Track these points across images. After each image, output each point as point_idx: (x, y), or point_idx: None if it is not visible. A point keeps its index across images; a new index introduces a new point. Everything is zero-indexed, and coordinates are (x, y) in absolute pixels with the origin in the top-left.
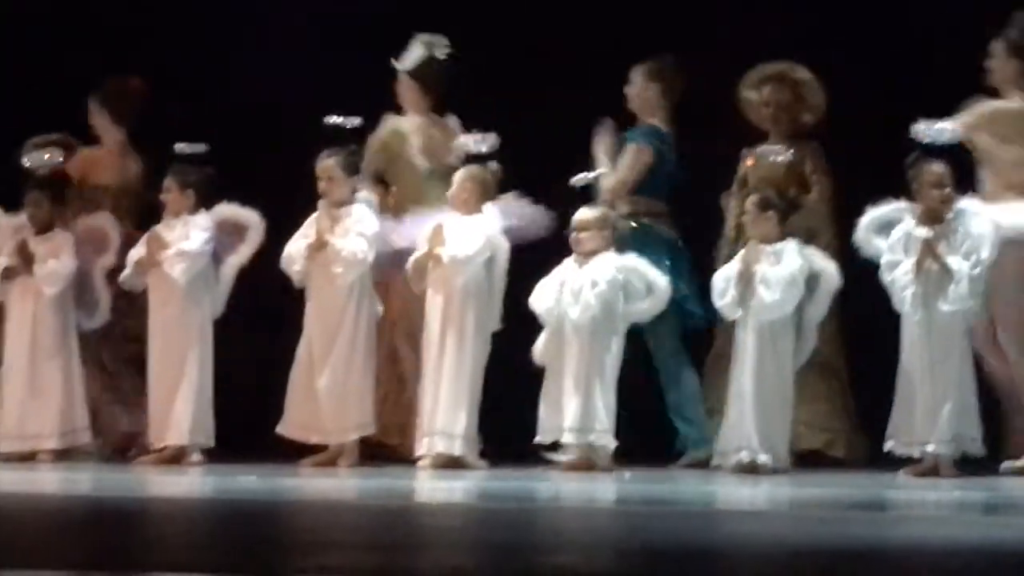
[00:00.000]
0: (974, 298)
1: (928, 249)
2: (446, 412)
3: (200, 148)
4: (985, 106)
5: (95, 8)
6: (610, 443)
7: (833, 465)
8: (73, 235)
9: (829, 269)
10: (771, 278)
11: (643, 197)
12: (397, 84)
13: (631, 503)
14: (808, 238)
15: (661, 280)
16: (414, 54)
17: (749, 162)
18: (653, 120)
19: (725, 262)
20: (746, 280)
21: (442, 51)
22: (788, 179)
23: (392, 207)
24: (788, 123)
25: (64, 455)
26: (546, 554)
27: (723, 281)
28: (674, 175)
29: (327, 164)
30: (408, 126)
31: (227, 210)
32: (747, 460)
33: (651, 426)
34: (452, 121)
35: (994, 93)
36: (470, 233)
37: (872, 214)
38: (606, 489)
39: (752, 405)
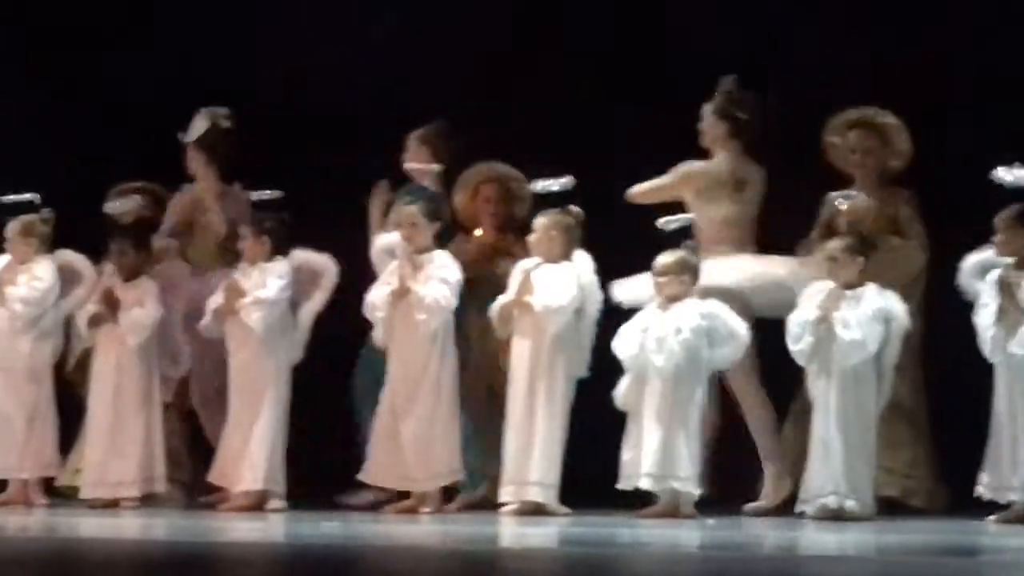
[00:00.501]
0: None
1: (1006, 290)
2: (539, 461)
3: (275, 194)
4: (686, 167)
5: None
6: (694, 490)
7: (914, 514)
8: (156, 282)
9: (899, 310)
10: (851, 319)
11: None
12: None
13: (715, 549)
14: (900, 285)
15: (742, 327)
16: (198, 125)
17: (842, 207)
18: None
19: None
20: (824, 325)
21: (224, 121)
22: (879, 225)
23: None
24: (874, 168)
25: (146, 501)
26: None
27: (798, 326)
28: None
29: (409, 211)
30: (202, 193)
31: (302, 256)
32: (833, 506)
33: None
34: (237, 188)
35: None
36: (561, 281)
37: (974, 257)
38: (689, 535)
39: (837, 450)
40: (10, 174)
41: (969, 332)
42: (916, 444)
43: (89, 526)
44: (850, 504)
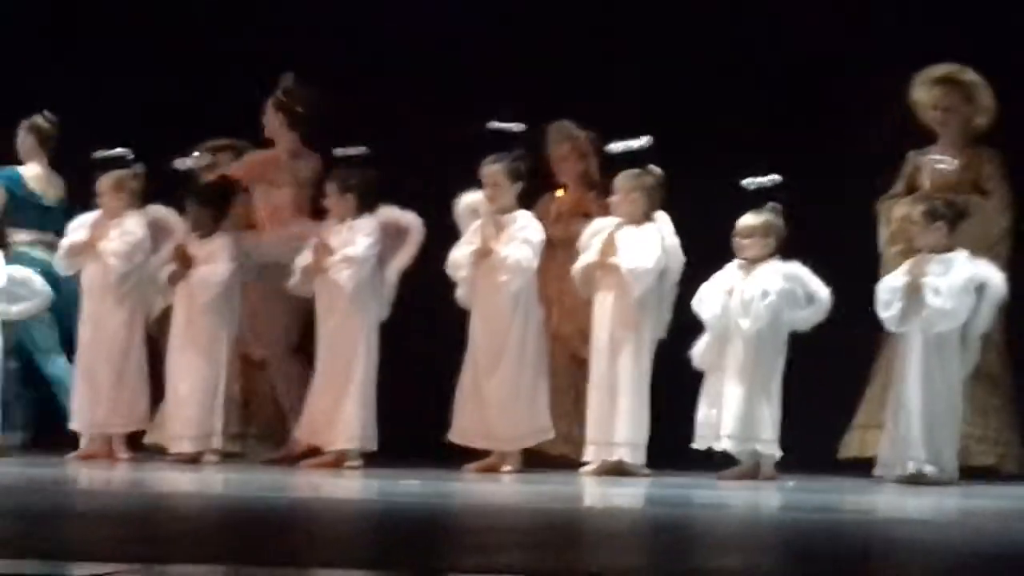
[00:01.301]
0: None
1: None
2: (627, 422)
3: (360, 150)
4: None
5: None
6: (775, 452)
7: (1005, 480)
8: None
9: (996, 279)
10: (942, 287)
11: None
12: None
13: (795, 511)
14: (983, 246)
15: (823, 290)
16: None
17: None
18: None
19: (886, 270)
20: (914, 291)
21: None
22: (962, 185)
23: None
24: (958, 126)
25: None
26: (710, 559)
27: (888, 292)
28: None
29: (492, 170)
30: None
31: (388, 212)
32: (913, 471)
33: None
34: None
35: None
36: (646, 242)
37: None
38: (769, 496)
39: (919, 417)
40: (103, 130)
41: None
42: (1003, 410)
43: (172, 480)
44: (929, 470)
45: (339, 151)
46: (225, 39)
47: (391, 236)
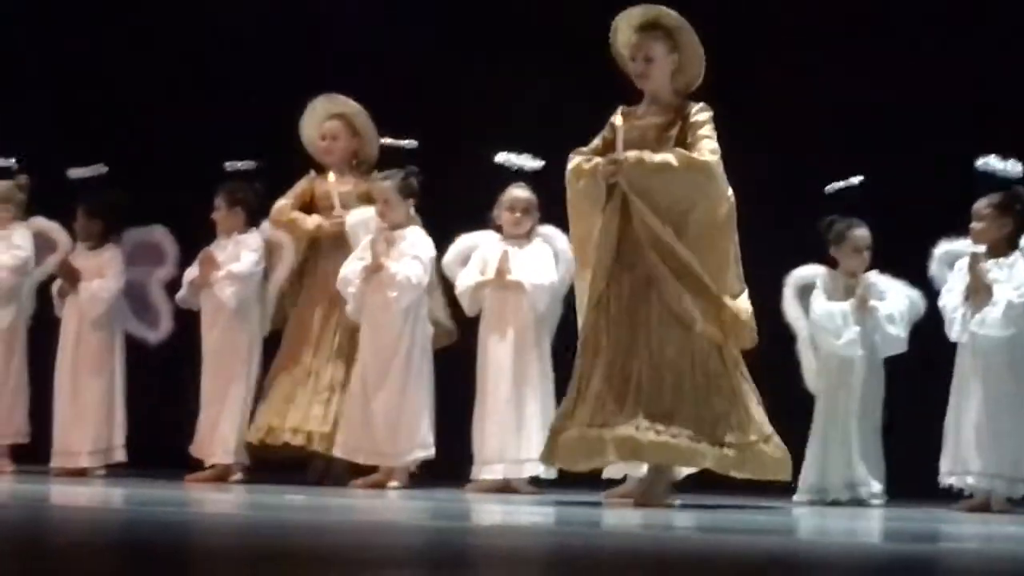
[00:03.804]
0: None
1: (975, 273)
2: (529, 440)
3: (250, 164)
4: None
5: None
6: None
7: None
8: (124, 250)
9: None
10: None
11: None
12: None
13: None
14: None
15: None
16: None
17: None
18: None
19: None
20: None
21: None
22: (663, 142)
23: None
24: (661, 78)
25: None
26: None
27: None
28: None
29: (383, 187)
30: None
31: (267, 229)
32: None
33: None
34: None
35: None
36: (537, 259)
37: (944, 246)
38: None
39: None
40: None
41: None
42: None
43: (56, 494)
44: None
45: (229, 165)
46: (109, 50)
47: (271, 252)
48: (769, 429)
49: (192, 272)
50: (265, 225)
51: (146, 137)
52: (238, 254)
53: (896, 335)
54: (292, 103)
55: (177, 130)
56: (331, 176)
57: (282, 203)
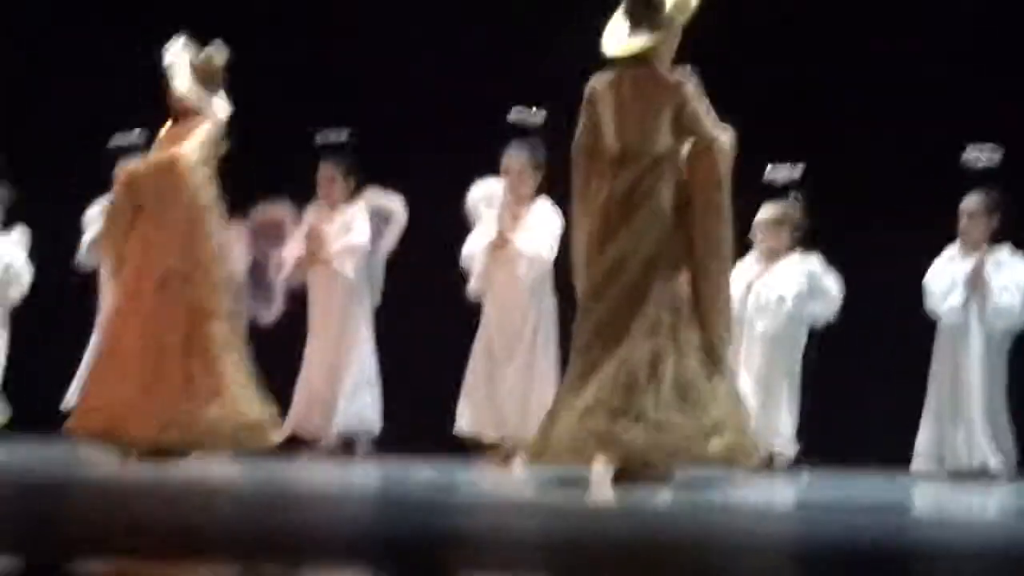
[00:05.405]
0: None
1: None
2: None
3: (344, 134)
4: None
5: None
6: (791, 451)
7: None
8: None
9: None
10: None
11: None
12: None
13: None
14: None
15: (835, 286)
16: None
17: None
18: None
19: None
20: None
21: None
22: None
23: None
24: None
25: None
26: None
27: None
28: None
29: (518, 159)
30: None
31: (374, 197)
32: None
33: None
34: None
35: None
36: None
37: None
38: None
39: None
40: None
41: None
42: None
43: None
44: (995, 463)
45: (321, 136)
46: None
47: (376, 221)
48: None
49: (297, 249)
50: (371, 194)
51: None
52: (350, 225)
53: (1009, 306)
54: None
55: None
56: None
57: None
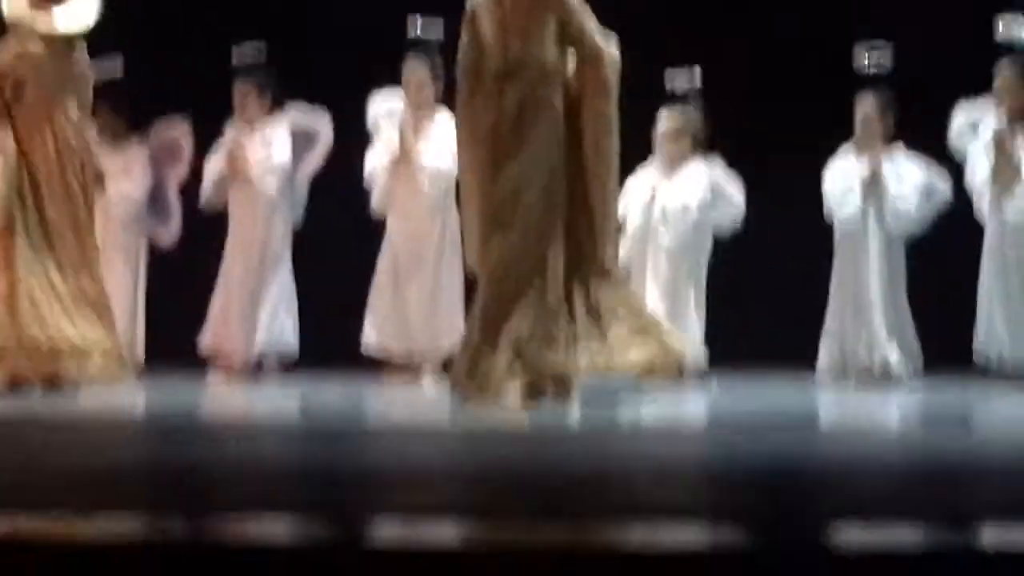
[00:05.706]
0: None
1: (1001, 149)
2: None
3: (260, 49)
4: None
5: None
6: (701, 359)
7: None
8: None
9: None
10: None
11: None
12: None
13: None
14: None
15: (739, 194)
16: None
17: None
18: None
19: None
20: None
21: None
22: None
23: None
24: None
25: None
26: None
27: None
28: None
29: (418, 70)
30: None
31: (298, 115)
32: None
33: None
34: None
35: None
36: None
37: (961, 116)
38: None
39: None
40: None
41: None
42: None
43: None
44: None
45: (237, 51)
46: None
47: (299, 140)
48: None
49: (215, 167)
50: (294, 112)
51: None
52: (270, 143)
53: (905, 211)
54: None
55: None
56: None
57: None
